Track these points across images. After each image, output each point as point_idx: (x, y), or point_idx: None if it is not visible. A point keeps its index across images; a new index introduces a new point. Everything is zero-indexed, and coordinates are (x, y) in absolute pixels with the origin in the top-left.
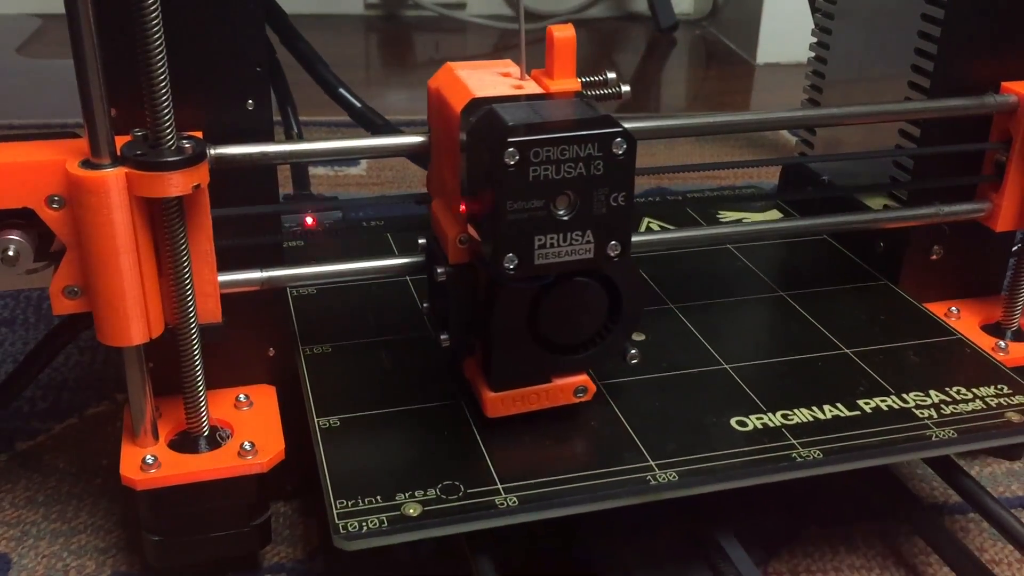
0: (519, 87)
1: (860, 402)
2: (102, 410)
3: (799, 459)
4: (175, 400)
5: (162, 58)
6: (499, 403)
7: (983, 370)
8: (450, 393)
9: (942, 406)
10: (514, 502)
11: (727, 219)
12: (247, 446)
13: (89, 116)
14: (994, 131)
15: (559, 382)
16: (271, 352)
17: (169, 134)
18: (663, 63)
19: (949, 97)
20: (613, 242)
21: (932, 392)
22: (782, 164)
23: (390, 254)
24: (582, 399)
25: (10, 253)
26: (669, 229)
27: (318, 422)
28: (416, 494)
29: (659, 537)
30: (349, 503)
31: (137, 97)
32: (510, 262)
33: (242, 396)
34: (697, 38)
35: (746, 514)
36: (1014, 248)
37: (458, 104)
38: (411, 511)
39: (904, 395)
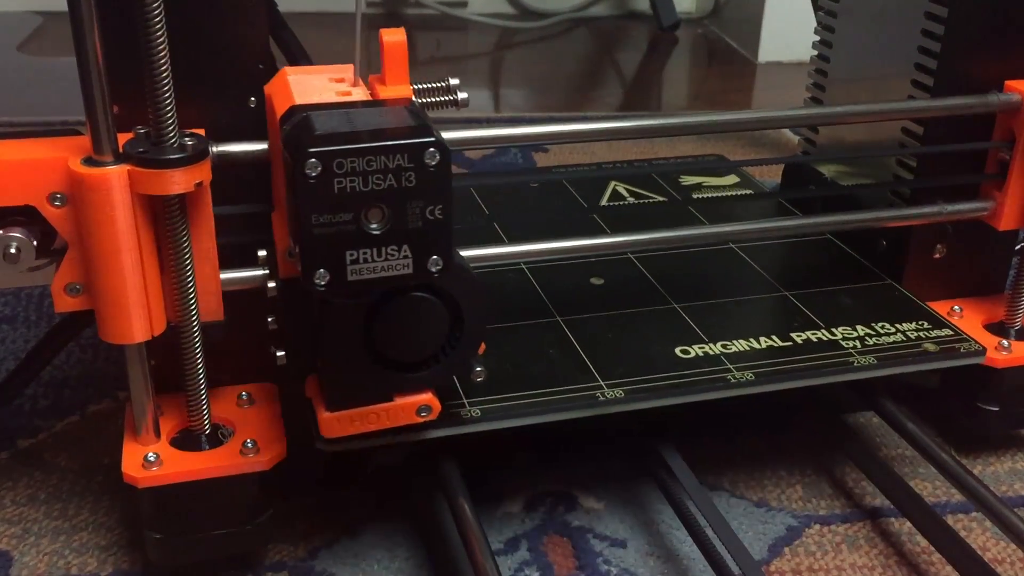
0: (346, 93)
1: (793, 335)
2: (103, 407)
3: (733, 380)
4: (177, 398)
5: (165, 55)
6: (335, 423)
7: (908, 309)
8: None
9: (866, 338)
10: (477, 413)
11: (688, 183)
12: (249, 444)
13: (91, 113)
14: (997, 129)
15: (401, 400)
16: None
17: (171, 132)
18: (664, 62)
19: (952, 96)
20: (434, 257)
21: (859, 327)
22: (784, 163)
23: None
24: (426, 418)
25: (12, 251)
26: (669, 228)
27: None
28: None
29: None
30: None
31: (139, 94)
32: (321, 278)
33: (244, 394)
34: (699, 37)
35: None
36: (1017, 247)
37: (280, 110)
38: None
39: (833, 329)
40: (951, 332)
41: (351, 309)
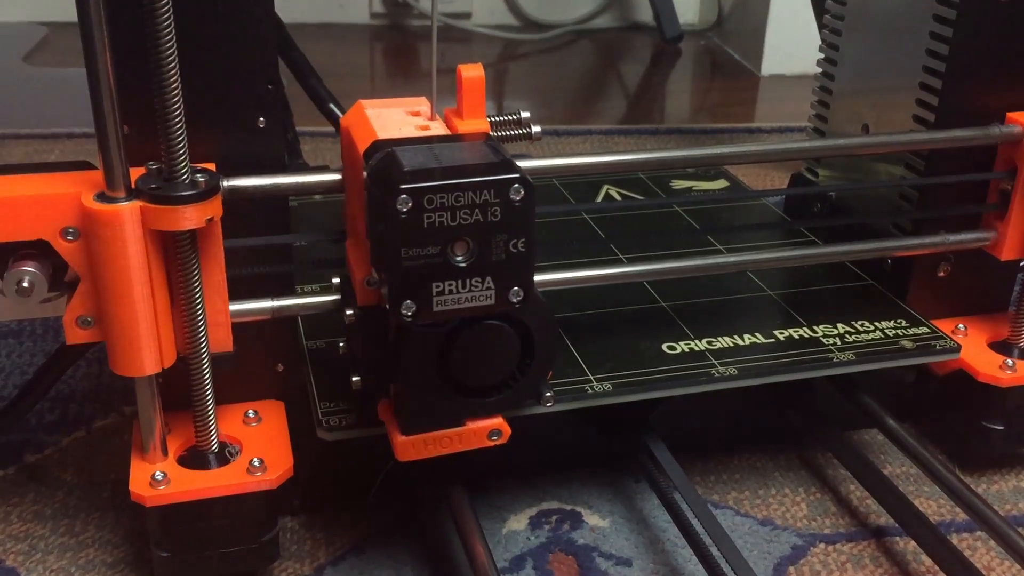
0: (425, 128)
1: (776, 332)
2: (109, 423)
3: (717, 375)
4: (184, 414)
5: (177, 95)
6: (410, 447)
7: (887, 308)
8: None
9: (846, 335)
10: None
11: (678, 187)
12: (256, 462)
13: (105, 150)
14: (999, 161)
15: (473, 425)
16: (280, 368)
17: (183, 168)
18: (668, 74)
19: (954, 128)
20: (515, 288)
21: (839, 324)
22: (787, 195)
23: None
24: (497, 442)
25: (24, 284)
26: (679, 256)
27: (307, 344)
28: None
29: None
30: (331, 404)
31: (148, 113)
32: (408, 309)
33: (251, 412)
34: (702, 49)
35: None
36: (1022, 264)
37: (362, 145)
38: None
39: (815, 327)
40: (928, 330)
41: (427, 337)
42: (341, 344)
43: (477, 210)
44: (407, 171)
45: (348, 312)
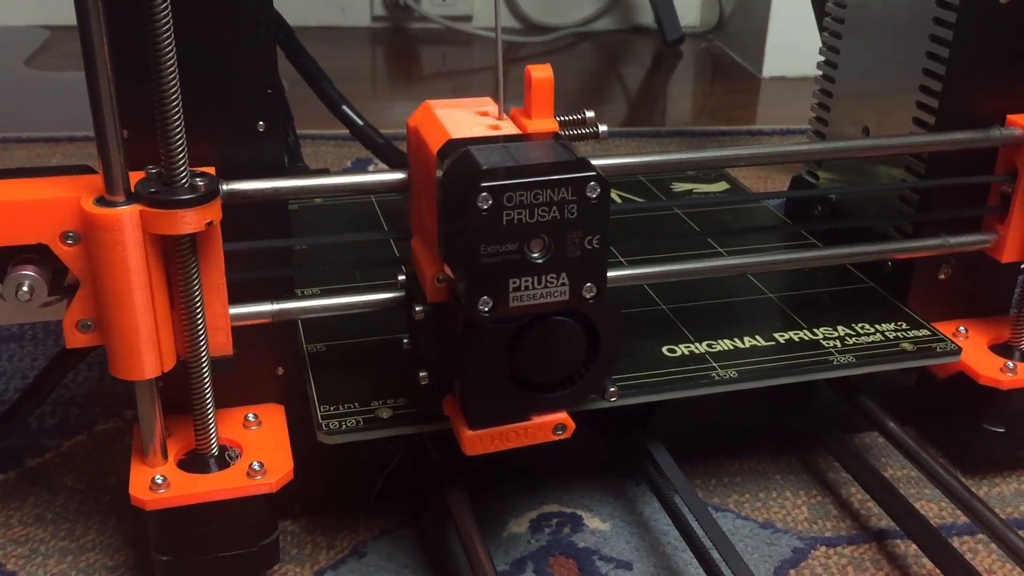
0: (496, 127)
1: (776, 334)
2: (110, 427)
3: (717, 378)
4: (185, 418)
5: (176, 99)
6: (477, 441)
7: (887, 310)
8: None
9: (846, 338)
10: None
11: (679, 189)
12: (256, 466)
13: (104, 154)
14: (999, 163)
15: (538, 420)
16: (280, 371)
17: (183, 172)
18: (669, 76)
19: (955, 130)
20: (588, 284)
21: (839, 327)
22: (788, 197)
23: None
24: (561, 436)
25: (24, 288)
26: (679, 258)
27: (307, 347)
28: (388, 401)
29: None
30: (331, 407)
31: (147, 114)
32: (484, 304)
33: (251, 415)
34: (703, 51)
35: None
36: (1023, 267)
37: (435, 144)
38: (383, 414)
39: (815, 329)
40: (928, 333)
41: (496, 332)
42: (404, 340)
43: (554, 207)
44: (486, 169)
45: (417, 309)
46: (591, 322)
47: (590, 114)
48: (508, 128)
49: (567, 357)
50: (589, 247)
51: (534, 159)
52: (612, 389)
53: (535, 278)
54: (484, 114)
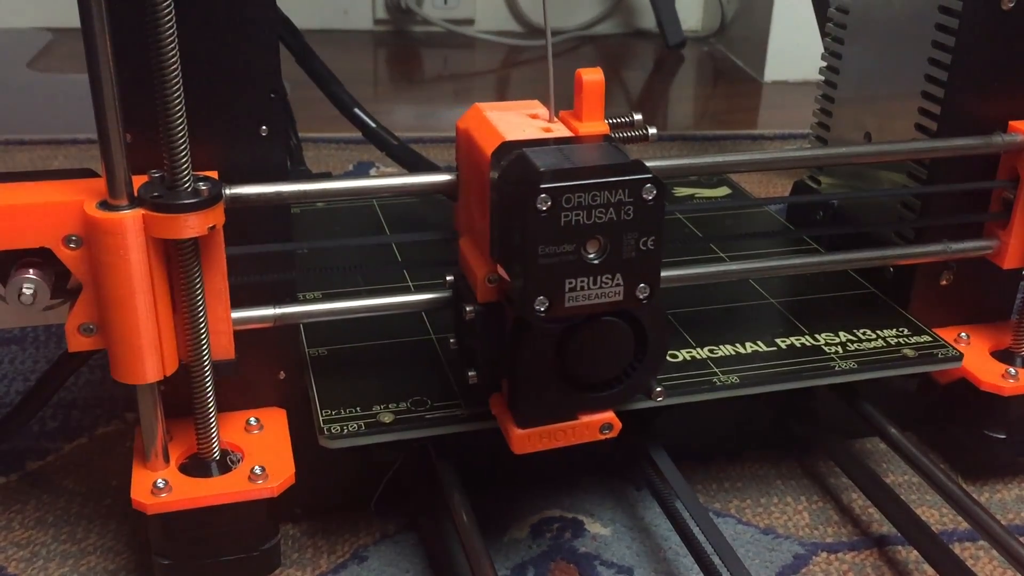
0: (548, 130)
1: (777, 340)
2: (111, 430)
3: (719, 383)
4: (186, 422)
5: (180, 103)
6: (526, 440)
7: (889, 316)
8: (423, 330)
9: (848, 344)
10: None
11: (681, 194)
12: (257, 470)
13: (107, 158)
14: (1001, 169)
15: (585, 419)
16: (282, 375)
17: (186, 176)
18: (671, 80)
19: (957, 136)
20: (642, 285)
21: (841, 333)
22: (790, 203)
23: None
24: (608, 435)
25: (27, 292)
26: (681, 263)
27: (309, 351)
28: (390, 406)
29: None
30: (333, 412)
31: (151, 119)
32: (541, 304)
33: (252, 419)
34: (705, 55)
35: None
36: None
37: (488, 146)
38: (385, 419)
39: (816, 335)
40: (930, 339)
41: (547, 332)
42: (451, 340)
43: (611, 209)
44: (544, 171)
45: (468, 309)
46: (639, 322)
47: (638, 117)
48: (560, 131)
49: (616, 357)
50: (644, 248)
51: (590, 161)
52: (658, 389)
53: (591, 278)
54: (535, 116)
